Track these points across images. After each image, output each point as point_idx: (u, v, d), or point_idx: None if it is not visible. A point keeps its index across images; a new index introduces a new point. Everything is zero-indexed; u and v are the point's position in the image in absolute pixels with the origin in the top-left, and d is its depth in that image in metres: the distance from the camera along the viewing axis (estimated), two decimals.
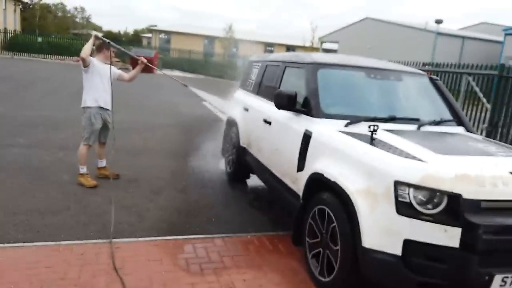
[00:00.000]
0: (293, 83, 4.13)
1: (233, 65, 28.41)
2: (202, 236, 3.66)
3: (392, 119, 3.36)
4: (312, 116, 3.41)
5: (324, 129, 3.19)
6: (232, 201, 4.68)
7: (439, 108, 3.79)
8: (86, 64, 4.34)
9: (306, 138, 3.29)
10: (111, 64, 4.50)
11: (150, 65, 4.82)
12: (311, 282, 3.01)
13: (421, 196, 2.32)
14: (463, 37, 30.40)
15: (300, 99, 3.58)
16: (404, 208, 2.33)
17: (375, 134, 2.84)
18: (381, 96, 3.72)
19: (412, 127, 3.36)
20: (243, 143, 5.03)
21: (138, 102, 11.83)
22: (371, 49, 30.98)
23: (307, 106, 3.53)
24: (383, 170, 2.44)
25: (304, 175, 3.22)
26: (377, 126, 2.83)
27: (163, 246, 3.40)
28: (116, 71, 4.70)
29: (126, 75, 4.83)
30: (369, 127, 2.83)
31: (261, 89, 4.85)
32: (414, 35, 30.41)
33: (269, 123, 4.11)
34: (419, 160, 2.46)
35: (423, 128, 3.37)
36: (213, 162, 6.24)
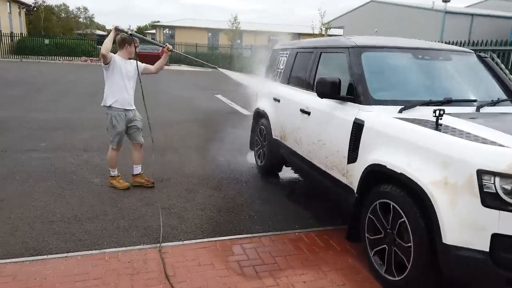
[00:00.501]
0: (332, 69, 3.91)
1: (240, 56, 28.14)
2: (249, 235, 3.49)
3: (448, 102, 3.13)
4: (360, 103, 3.19)
5: (378, 117, 2.97)
6: (270, 195, 4.49)
7: (493, 87, 3.55)
8: (107, 61, 4.02)
9: (357, 127, 3.08)
10: (136, 59, 4.26)
11: (176, 51, 4.72)
12: (375, 281, 2.82)
13: (509, 185, 2.10)
14: (472, 15, 29.68)
15: (343, 86, 3.36)
16: (490, 200, 2.12)
17: (441, 119, 2.62)
18: (432, 77, 3.48)
19: (471, 109, 3.14)
20: (275, 135, 4.83)
21: (151, 99, 11.63)
22: (378, 32, 30.44)
23: (353, 93, 3.31)
24: (462, 159, 2.23)
25: (358, 167, 3.02)
26: (443, 110, 2.60)
27: (211, 249, 3.23)
28: (141, 65, 4.42)
29: (152, 67, 4.52)
30: (434, 112, 2.61)
31: (292, 78, 4.63)
32: (421, 15, 29.78)
33: (308, 113, 3.89)
34: (501, 145, 2.24)
35: (482, 110, 3.14)
36: (241, 156, 6.07)
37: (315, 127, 3.75)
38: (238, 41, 36.36)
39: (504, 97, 3.44)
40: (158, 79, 16.36)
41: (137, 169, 4.57)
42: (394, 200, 2.61)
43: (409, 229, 2.48)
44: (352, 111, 3.23)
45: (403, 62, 3.51)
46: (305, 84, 4.20)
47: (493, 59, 7.96)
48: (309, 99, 3.97)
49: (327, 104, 3.57)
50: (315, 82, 3.43)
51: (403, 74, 3.48)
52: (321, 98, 3.48)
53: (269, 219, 3.85)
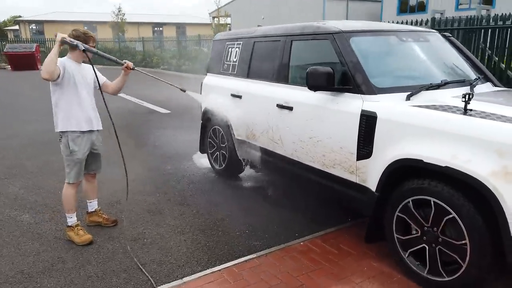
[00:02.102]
0: (311, 58, 3.60)
1: (129, 49, 26.21)
2: (253, 255, 3.01)
3: (445, 84, 3.04)
4: (362, 93, 2.93)
5: (394, 107, 2.74)
6: (247, 202, 4.04)
7: (466, 66, 3.59)
8: (55, 78, 3.00)
9: (368, 120, 2.81)
10: (92, 63, 3.21)
11: (140, 70, 3.73)
12: (416, 284, 2.62)
13: None
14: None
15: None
16: None
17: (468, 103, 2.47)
18: (420, 60, 3.38)
19: (466, 89, 3.09)
20: (239, 135, 4.37)
21: (46, 102, 10.07)
22: (265, 19, 31.08)
23: (349, 83, 3.03)
24: None
25: (376, 164, 2.77)
26: (472, 94, 2.47)
27: (220, 281, 2.70)
28: (101, 76, 3.36)
29: (110, 85, 3.44)
30: (463, 96, 2.45)
31: (253, 71, 4.19)
32: (304, 0, 31.21)
33: (289, 108, 3.53)
34: None
35: (475, 89, 3.12)
36: (187, 160, 5.49)
37: (303, 123, 3.40)
38: (121, 34, 33.90)
39: (478, 74, 3.50)
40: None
41: (92, 205, 3.59)
42: (436, 196, 2.41)
43: (462, 225, 2.30)
44: (354, 103, 2.95)
45: (391, 46, 3.34)
46: (276, 77, 3.81)
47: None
48: (288, 93, 3.60)
49: (318, 97, 3.25)
50: (307, 73, 3.05)
51: (395, 58, 3.32)
52: (314, 90, 3.14)
53: (263, 231, 3.42)
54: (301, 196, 4.07)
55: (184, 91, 3.78)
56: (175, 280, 2.74)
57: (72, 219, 3.33)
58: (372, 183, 2.83)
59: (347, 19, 30.09)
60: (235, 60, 4.52)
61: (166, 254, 3.08)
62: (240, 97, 4.26)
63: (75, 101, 3.17)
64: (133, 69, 3.38)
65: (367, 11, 30.69)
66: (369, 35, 3.34)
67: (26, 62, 21.85)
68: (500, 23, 7.53)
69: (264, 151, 3.99)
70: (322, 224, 3.50)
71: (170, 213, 3.81)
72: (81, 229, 3.32)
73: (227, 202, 4.06)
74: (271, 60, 3.94)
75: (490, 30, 7.54)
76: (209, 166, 5.16)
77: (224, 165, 4.74)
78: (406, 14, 22.50)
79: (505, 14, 8.19)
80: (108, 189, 4.29)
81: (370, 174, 2.85)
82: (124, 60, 3.39)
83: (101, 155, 3.51)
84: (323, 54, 3.39)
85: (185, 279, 2.74)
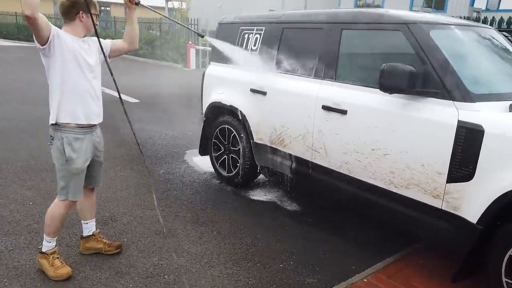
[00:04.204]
0: (368, 52, 2.99)
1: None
2: None
3: None
4: (455, 100, 2.38)
5: (507, 119, 2.22)
6: (275, 222, 3.36)
7: None
8: (41, 36, 2.13)
9: (470, 134, 2.26)
10: (98, 36, 2.30)
11: (147, 6, 2.85)
12: None
13: None
14: None
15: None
16: None
17: None
18: (501, 59, 2.90)
19: None
20: (259, 138, 3.69)
21: None
22: (222, 7, 29.99)
23: (434, 86, 2.47)
24: None
25: (481, 189, 2.23)
26: None
27: None
28: (105, 42, 2.52)
29: (121, 42, 2.63)
30: None
31: (281, 63, 3.51)
32: None
33: (342, 111, 2.91)
34: None
35: None
36: (179, 162, 4.74)
37: (362, 131, 2.79)
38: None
39: None
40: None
41: (90, 227, 2.74)
42: None
43: None
44: (445, 112, 2.39)
45: (473, 43, 2.83)
46: (318, 72, 3.16)
47: None
48: (338, 92, 2.98)
49: (387, 100, 2.65)
50: (382, 71, 2.45)
51: (481, 57, 2.81)
52: (390, 92, 2.54)
53: (311, 263, 2.79)
54: (344, 216, 3.48)
55: (203, 36, 3.09)
56: None
57: (50, 244, 2.51)
58: (470, 213, 2.30)
59: (305, 5, 29.82)
60: (254, 48, 3.81)
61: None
62: (264, 93, 3.57)
63: (77, 87, 2.34)
64: (137, 3, 2.50)
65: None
66: (450, 28, 2.79)
67: None
68: None
69: (297, 160, 3.35)
70: (376, 252, 2.94)
71: (185, 236, 3.06)
72: (58, 258, 2.50)
73: (250, 220, 3.37)
74: (309, 51, 3.28)
75: None
76: (209, 170, 4.43)
77: (234, 172, 4.03)
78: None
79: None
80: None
81: (468, 201, 2.31)
82: None
83: (102, 163, 2.67)
84: (390, 48, 2.81)
85: None
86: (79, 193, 2.47)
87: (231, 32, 4.11)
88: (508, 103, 2.36)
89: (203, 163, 4.65)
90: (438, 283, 2.59)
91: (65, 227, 3.02)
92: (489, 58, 2.86)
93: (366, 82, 2.84)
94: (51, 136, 2.37)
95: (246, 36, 3.92)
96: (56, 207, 2.46)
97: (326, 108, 3.02)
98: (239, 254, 2.85)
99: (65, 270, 2.45)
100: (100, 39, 2.30)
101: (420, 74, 2.49)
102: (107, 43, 2.56)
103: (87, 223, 2.72)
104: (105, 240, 2.77)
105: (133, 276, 2.53)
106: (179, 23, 3.15)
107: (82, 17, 2.33)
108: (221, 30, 4.30)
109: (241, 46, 3.94)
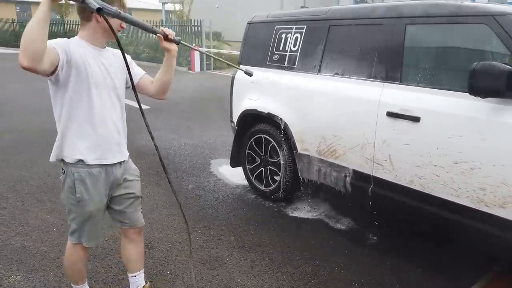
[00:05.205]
0: (442, 49, 2.62)
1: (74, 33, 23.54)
2: None
3: None
4: None
5: None
6: (333, 245, 2.98)
7: None
8: (45, 70, 1.56)
9: None
10: (121, 46, 1.60)
11: (188, 45, 2.17)
12: None
13: None
14: None
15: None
16: None
17: None
18: None
19: None
20: (303, 149, 3.31)
21: None
22: (220, 8, 29.58)
23: None
24: None
25: None
26: None
27: None
28: (137, 72, 2.00)
29: (150, 82, 2.03)
30: None
31: (330, 65, 3.14)
32: None
33: (414, 118, 2.53)
34: None
35: None
36: (210, 176, 4.33)
37: (441, 140, 2.42)
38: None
39: None
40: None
41: (138, 282, 2.19)
42: None
43: None
44: None
45: None
46: (378, 74, 2.79)
47: None
48: (407, 97, 2.60)
49: (474, 106, 2.28)
50: (474, 71, 2.09)
51: None
52: (483, 97, 2.17)
53: None
54: (412, 237, 3.11)
55: (251, 75, 2.41)
56: None
57: None
58: None
59: (304, 2, 29.44)
60: (294, 49, 3.43)
61: None
62: (311, 99, 3.19)
63: (90, 113, 1.79)
64: (178, 43, 1.88)
65: None
66: None
67: None
68: None
69: (354, 174, 2.97)
70: (457, 278, 2.56)
71: (235, 265, 2.68)
72: None
73: (302, 243, 2.99)
74: (365, 51, 2.91)
75: None
76: (242, 183, 4.07)
77: (273, 186, 3.65)
78: None
79: None
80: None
81: None
82: (160, 27, 1.86)
83: (140, 199, 2.12)
84: (472, 45, 2.44)
85: None
86: (95, 237, 1.98)
87: (265, 32, 3.74)
88: None
89: (232, 175, 4.30)
90: None
91: (97, 258, 2.65)
92: None
93: (443, 84, 2.48)
94: (62, 169, 1.88)
95: (283, 36, 3.55)
96: (71, 252, 2.00)
97: (391, 114, 2.64)
98: (301, 287, 2.47)
99: None
100: (126, 56, 1.69)
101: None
102: (137, 71, 2.01)
103: (134, 276, 2.18)
104: None
105: None
106: (226, 62, 2.75)
107: (99, 19, 1.72)
108: (252, 30, 3.93)
109: (278, 47, 3.57)
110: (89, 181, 1.84)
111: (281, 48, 3.55)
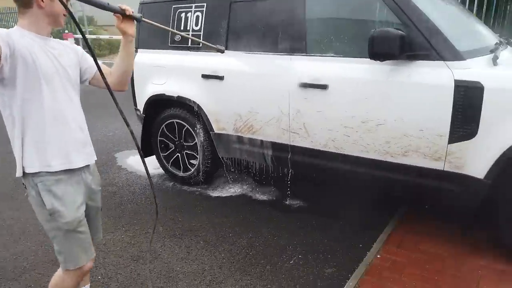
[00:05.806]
0: (337, 18, 2.83)
1: None
2: None
3: (502, 44, 2.73)
4: (444, 59, 2.35)
5: (502, 73, 2.26)
6: (273, 221, 3.10)
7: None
8: None
9: (469, 92, 2.25)
10: (81, 31, 1.39)
11: (149, 21, 1.78)
12: None
13: None
14: None
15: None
16: None
17: None
18: (463, 16, 2.97)
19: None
20: (220, 128, 3.33)
21: None
22: None
23: (421, 48, 2.41)
24: None
25: (485, 145, 2.26)
26: None
27: None
28: (90, 61, 1.74)
29: (107, 72, 1.78)
30: None
31: (236, 42, 3.16)
32: None
33: (322, 86, 2.71)
34: None
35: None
36: (119, 169, 4.09)
37: (349, 104, 2.64)
38: None
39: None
40: None
41: None
42: None
43: None
44: (438, 73, 2.35)
45: (436, 4, 2.83)
46: (284, 47, 2.91)
47: None
48: (314, 66, 2.77)
49: (373, 69, 2.53)
50: (372, 38, 2.31)
51: (444, 16, 2.82)
52: (382, 60, 2.42)
53: (320, 252, 2.60)
54: (331, 196, 3.35)
55: (223, 51, 2.25)
56: None
57: None
58: (476, 170, 2.33)
59: None
60: (196, 29, 3.38)
61: None
62: (221, 78, 3.19)
63: (47, 112, 1.56)
64: (139, 20, 1.67)
65: None
66: None
67: None
68: None
69: (273, 146, 3.09)
70: (373, 226, 2.88)
71: (170, 254, 2.62)
72: None
73: (232, 220, 3.04)
74: (269, 26, 2.99)
75: None
76: (156, 172, 3.97)
77: (192, 170, 3.62)
78: None
79: None
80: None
81: (472, 159, 2.33)
82: (119, 6, 1.59)
83: (100, 208, 1.90)
84: (362, 12, 2.67)
85: None
86: (83, 254, 1.70)
87: (161, 12, 3.60)
88: (486, 57, 2.42)
89: (142, 166, 4.11)
90: (444, 241, 2.62)
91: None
92: (454, 16, 2.93)
93: (345, 52, 2.69)
94: (23, 184, 1.62)
95: (183, 15, 3.45)
96: (61, 280, 1.74)
97: (303, 85, 2.79)
98: (241, 261, 2.53)
99: None
100: (86, 37, 1.53)
101: (407, 38, 2.41)
102: (93, 63, 1.71)
103: None
104: None
105: None
106: (196, 40, 2.54)
107: (42, 0, 1.50)
108: (146, 11, 3.73)
109: (179, 27, 3.47)
110: (57, 189, 1.60)
111: (181, 28, 3.46)
